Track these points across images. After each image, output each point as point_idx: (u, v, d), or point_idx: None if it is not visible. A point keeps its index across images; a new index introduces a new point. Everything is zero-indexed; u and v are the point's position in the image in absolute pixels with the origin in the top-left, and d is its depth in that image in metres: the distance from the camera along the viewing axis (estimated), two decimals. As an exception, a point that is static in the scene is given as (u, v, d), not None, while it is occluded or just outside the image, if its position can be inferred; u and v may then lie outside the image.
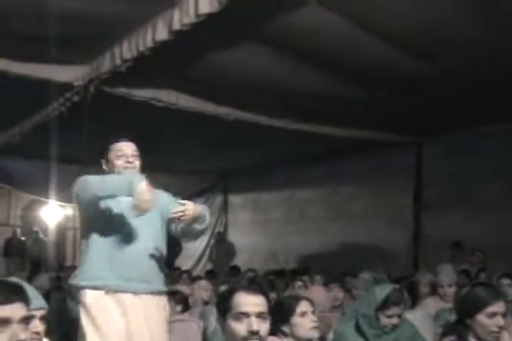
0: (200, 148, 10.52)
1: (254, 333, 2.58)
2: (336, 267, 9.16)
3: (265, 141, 9.51)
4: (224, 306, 2.69)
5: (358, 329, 3.90)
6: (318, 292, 5.29)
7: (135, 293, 3.68)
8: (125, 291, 3.66)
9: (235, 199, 15.23)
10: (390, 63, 6.19)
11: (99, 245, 3.72)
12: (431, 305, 5.19)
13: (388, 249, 10.43)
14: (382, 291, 3.92)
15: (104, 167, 3.94)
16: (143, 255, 3.73)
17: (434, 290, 5.52)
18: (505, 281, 5.17)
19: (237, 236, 14.63)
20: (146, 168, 3.90)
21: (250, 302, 2.65)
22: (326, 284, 6.28)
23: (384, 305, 3.84)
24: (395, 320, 3.85)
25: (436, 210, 9.84)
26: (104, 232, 3.73)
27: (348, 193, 11.77)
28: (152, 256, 3.76)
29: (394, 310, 3.85)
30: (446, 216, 9.60)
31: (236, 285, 2.96)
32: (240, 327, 2.60)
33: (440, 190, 9.97)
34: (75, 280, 3.75)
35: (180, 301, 5.33)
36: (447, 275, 5.47)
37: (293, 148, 10.39)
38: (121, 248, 3.68)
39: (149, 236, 3.79)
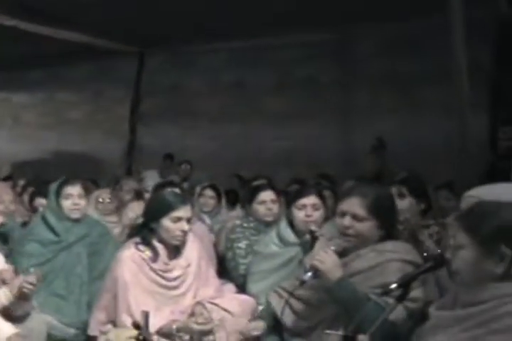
0: None
1: None
2: (51, 174, 8.92)
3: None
4: None
5: (46, 222, 3.96)
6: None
7: None
8: None
9: None
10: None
11: None
12: (136, 209, 5.30)
13: (104, 158, 10.46)
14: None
15: None
16: None
17: (139, 195, 5.67)
18: (208, 193, 5.44)
19: None
20: None
21: None
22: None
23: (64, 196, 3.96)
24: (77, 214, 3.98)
25: (153, 122, 9.96)
26: None
27: (66, 100, 11.43)
28: None
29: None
30: (162, 128, 9.79)
31: None
32: None
33: (159, 102, 10.09)
34: None
35: None
36: (153, 180, 5.63)
37: (9, 47, 9.66)
38: None
39: None
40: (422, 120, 7.84)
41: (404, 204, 3.76)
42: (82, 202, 4.04)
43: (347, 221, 2.66)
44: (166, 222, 3.33)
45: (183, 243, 3.45)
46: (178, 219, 3.33)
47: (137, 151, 10.30)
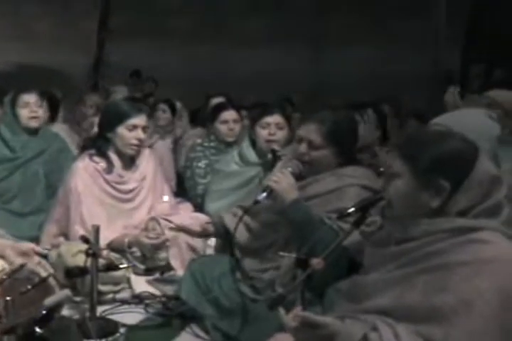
0: None
1: None
2: (12, 87, 8.68)
3: None
4: None
5: (1, 137, 3.80)
6: None
7: None
8: None
9: None
10: None
11: None
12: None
13: (69, 73, 10.18)
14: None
15: None
16: None
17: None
18: (162, 106, 5.51)
19: None
20: None
21: None
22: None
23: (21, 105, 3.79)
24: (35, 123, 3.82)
25: (122, 38, 9.70)
26: None
27: (31, 12, 10.98)
28: None
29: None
30: (131, 45, 9.54)
31: None
32: None
33: (128, 18, 9.81)
34: None
35: None
36: (122, 95, 5.63)
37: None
38: None
39: None
40: (394, 49, 7.74)
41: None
42: (40, 111, 3.86)
43: (303, 147, 2.59)
44: (122, 130, 3.28)
45: (138, 153, 3.41)
46: (134, 127, 3.28)
47: (104, 67, 10.05)
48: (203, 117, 4.91)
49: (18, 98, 3.80)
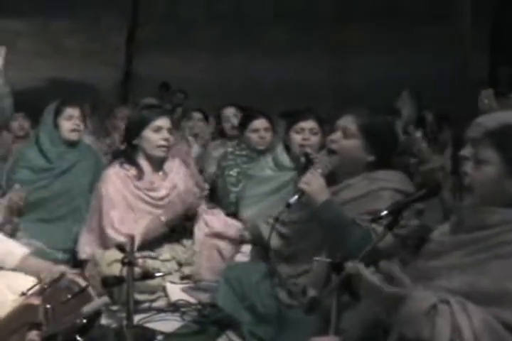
0: None
1: None
2: (44, 104, 8.81)
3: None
4: None
5: (39, 147, 3.81)
6: None
7: None
8: None
9: None
10: None
11: None
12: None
13: (99, 87, 10.30)
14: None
15: None
16: None
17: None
18: (197, 115, 5.71)
19: None
20: None
21: None
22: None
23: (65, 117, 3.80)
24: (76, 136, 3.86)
25: (149, 51, 9.79)
26: None
27: (62, 28, 11.14)
28: None
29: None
30: (159, 58, 9.63)
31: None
32: None
33: (156, 31, 9.89)
34: None
35: None
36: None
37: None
38: None
39: None
40: (417, 56, 7.72)
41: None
42: (82, 126, 3.91)
43: (335, 135, 2.63)
44: (148, 133, 3.35)
45: (167, 155, 3.46)
46: (159, 129, 3.35)
47: (133, 81, 10.16)
48: (218, 128, 5.00)
49: (62, 110, 3.81)
